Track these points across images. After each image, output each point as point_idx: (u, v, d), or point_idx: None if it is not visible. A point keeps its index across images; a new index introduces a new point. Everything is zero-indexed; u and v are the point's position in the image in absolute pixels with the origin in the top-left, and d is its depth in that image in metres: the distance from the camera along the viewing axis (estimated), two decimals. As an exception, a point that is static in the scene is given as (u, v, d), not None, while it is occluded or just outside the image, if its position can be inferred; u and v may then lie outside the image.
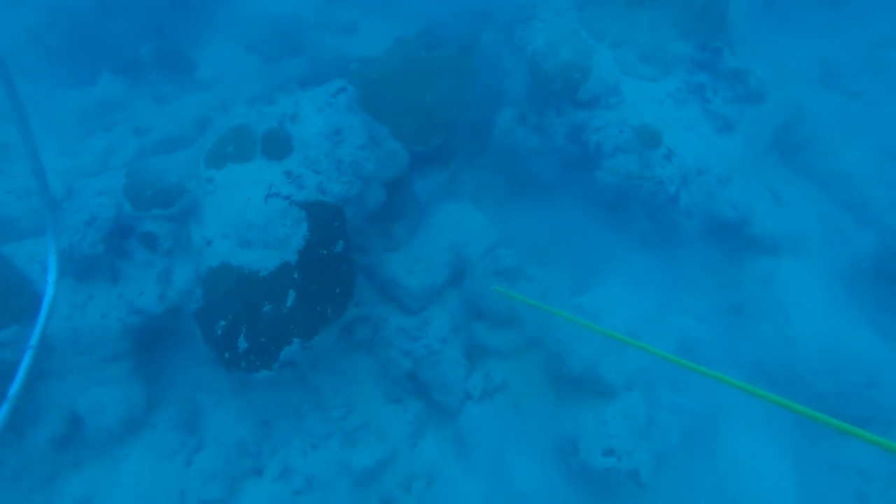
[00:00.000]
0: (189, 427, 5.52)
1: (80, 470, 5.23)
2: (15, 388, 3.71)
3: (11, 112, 3.99)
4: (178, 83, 7.83)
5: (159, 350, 5.63)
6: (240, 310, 4.70)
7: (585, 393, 5.05)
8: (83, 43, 7.96)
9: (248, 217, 4.69)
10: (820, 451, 4.57)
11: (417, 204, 6.51)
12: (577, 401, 5.11)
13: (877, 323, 5.06)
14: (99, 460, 5.23)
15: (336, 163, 4.96)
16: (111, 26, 7.97)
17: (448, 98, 5.88)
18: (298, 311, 4.79)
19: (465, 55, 6.24)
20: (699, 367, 2.57)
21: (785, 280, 5.13)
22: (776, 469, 4.43)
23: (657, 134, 5.02)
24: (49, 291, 4.23)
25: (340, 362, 5.81)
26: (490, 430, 5.38)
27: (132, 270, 5.13)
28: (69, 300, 5.01)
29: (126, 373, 5.24)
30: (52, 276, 4.34)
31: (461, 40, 6.45)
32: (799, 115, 6.29)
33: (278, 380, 4.99)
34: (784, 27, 7.86)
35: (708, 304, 5.24)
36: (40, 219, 5.97)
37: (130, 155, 6.81)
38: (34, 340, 4.02)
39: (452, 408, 5.55)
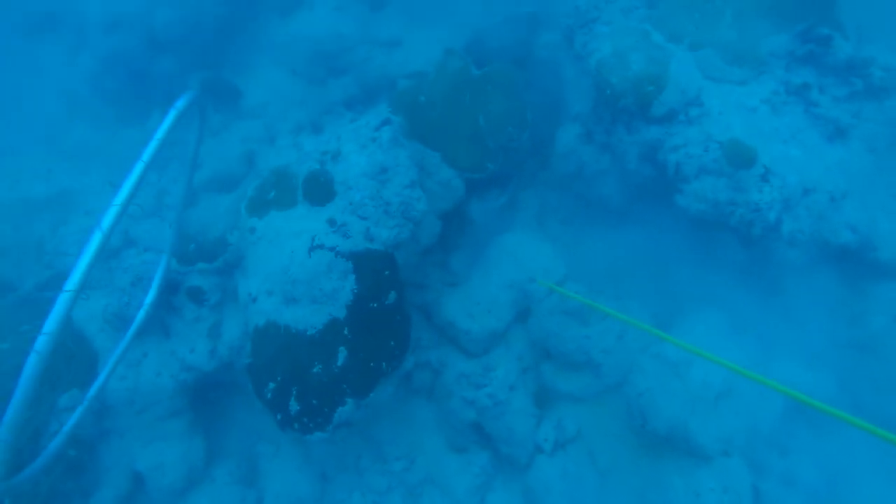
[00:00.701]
0: (248, 480, 5.36)
1: (147, 527, 5.18)
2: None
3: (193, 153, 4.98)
4: (226, 113, 7.71)
5: (216, 401, 5.49)
6: (289, 371, 4.41)
7: (673, 452, 4.40)
8: (137, 82, 8.02)
9: (291, 272, 4.38)
10: None
11: (475, 231, 6.03)
12: (663, 460, 4.47)
13: None
14: (164, 517, 5.16)
15: (383, 205, 4.55)
16: (162, 62, 7.96)
17: (503, 119, 5.32)
18: (351, 369, 4.44)
19: (520, 68, 5.65)
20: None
21: (923, 314, 4.24)
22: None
23: (750, 150, 4.24)
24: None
25: (399, 410, 5.46)
26: (564, 489, 4.85)
27: (182, 326, 4.98)
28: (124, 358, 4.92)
29: (184, 428, 5.13)
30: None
31: (514, 50, 5.85)
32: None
33: (335, 439, 4.69)
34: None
35: (823, 346, 4.42)
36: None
37: (181, 194, 6.74)
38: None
39: (521, 462, 5.06)
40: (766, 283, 4.57)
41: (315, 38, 7.12)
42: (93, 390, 4.15)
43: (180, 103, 4.55)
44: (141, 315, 4.39)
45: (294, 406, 4.42)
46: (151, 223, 6.36)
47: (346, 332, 4.42)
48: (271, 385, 4.45)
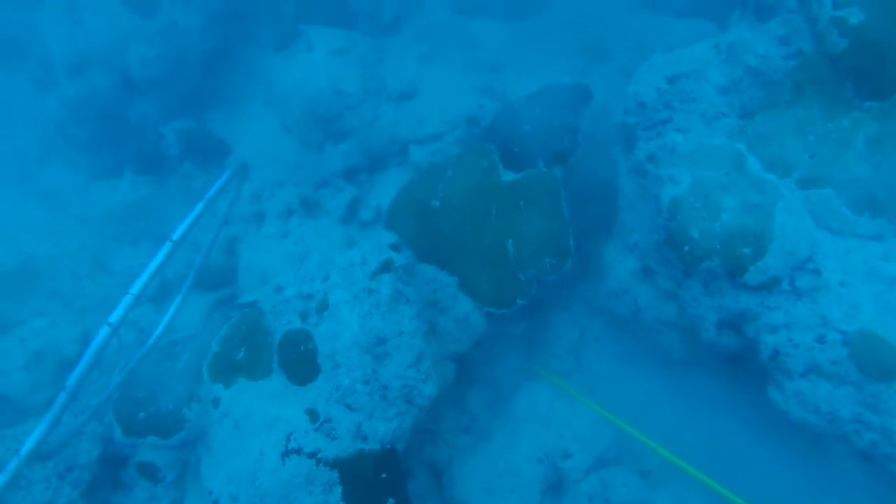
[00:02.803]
0: None
1: None
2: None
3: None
4: (211, 173, 6.63)
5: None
6: None
7: None
8: (110, 128, 6.93)
9: (260, 481, 3.37)
10: None
11: (498, 360, 4.95)
12: None
13: None
14: None
15: (380, 390, 3.48)
16: (138, 106, 6.85)
17: (540, 247, 4.16)
18: None
19: (561, 163, 4.44)
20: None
21: None
22: None
23: (891, 352, 3.05)
24: None
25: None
26: None
27: (133, 505, 4.03)
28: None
29: None
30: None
31: (554, 138, 4.60)
32: None
33: None
34: None
35: None
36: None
37: (154, 290, 5.74)
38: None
39: None
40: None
41: (310, 95, 5.92)
42: None
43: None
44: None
45: None
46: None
47: (330, 552, 3.42)
48: None
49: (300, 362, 3.58)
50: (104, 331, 3.11)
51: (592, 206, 5.41)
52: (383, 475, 3.50)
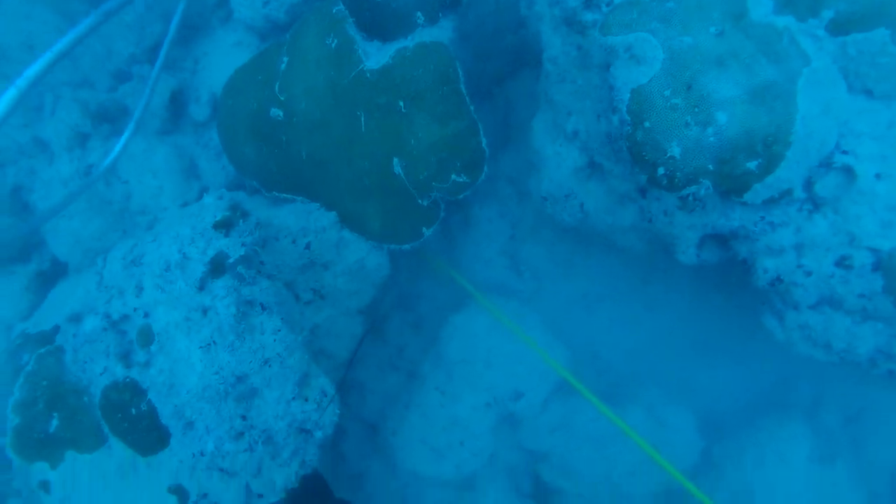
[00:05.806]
0: None
1: None
2: None
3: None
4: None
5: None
6: None
7: None
8: None
9: (140, 582, 2.58)
10: None
11: (407, 278, 4.01)
12: None
13: None
14: None
15: (261, 437, 2.52)
16: None
17: (438, 161, 2.83)
18: None
19: (452, 34, 2.85)
20: None
21: None
22: None
23: (934, 271, 2.21)
24: None
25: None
26: None
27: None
28: None
29: None
30: None
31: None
32: None
33: None
34: None
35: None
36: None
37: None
38: None
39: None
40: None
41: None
42: None
43: None
44: None
45: None
46: None
47: None
48: None
49: (137, 431, 2.51)
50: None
51: (500, 40, 3.92)
52: (300, 517, 2.76)
